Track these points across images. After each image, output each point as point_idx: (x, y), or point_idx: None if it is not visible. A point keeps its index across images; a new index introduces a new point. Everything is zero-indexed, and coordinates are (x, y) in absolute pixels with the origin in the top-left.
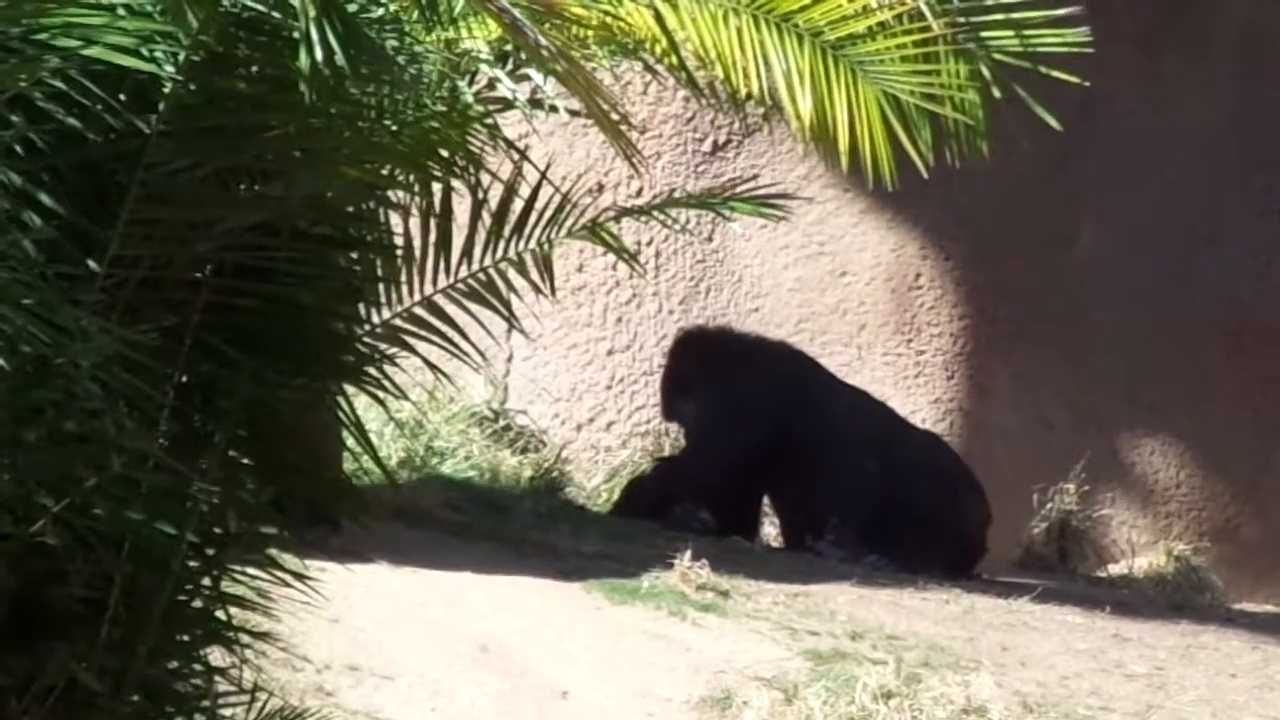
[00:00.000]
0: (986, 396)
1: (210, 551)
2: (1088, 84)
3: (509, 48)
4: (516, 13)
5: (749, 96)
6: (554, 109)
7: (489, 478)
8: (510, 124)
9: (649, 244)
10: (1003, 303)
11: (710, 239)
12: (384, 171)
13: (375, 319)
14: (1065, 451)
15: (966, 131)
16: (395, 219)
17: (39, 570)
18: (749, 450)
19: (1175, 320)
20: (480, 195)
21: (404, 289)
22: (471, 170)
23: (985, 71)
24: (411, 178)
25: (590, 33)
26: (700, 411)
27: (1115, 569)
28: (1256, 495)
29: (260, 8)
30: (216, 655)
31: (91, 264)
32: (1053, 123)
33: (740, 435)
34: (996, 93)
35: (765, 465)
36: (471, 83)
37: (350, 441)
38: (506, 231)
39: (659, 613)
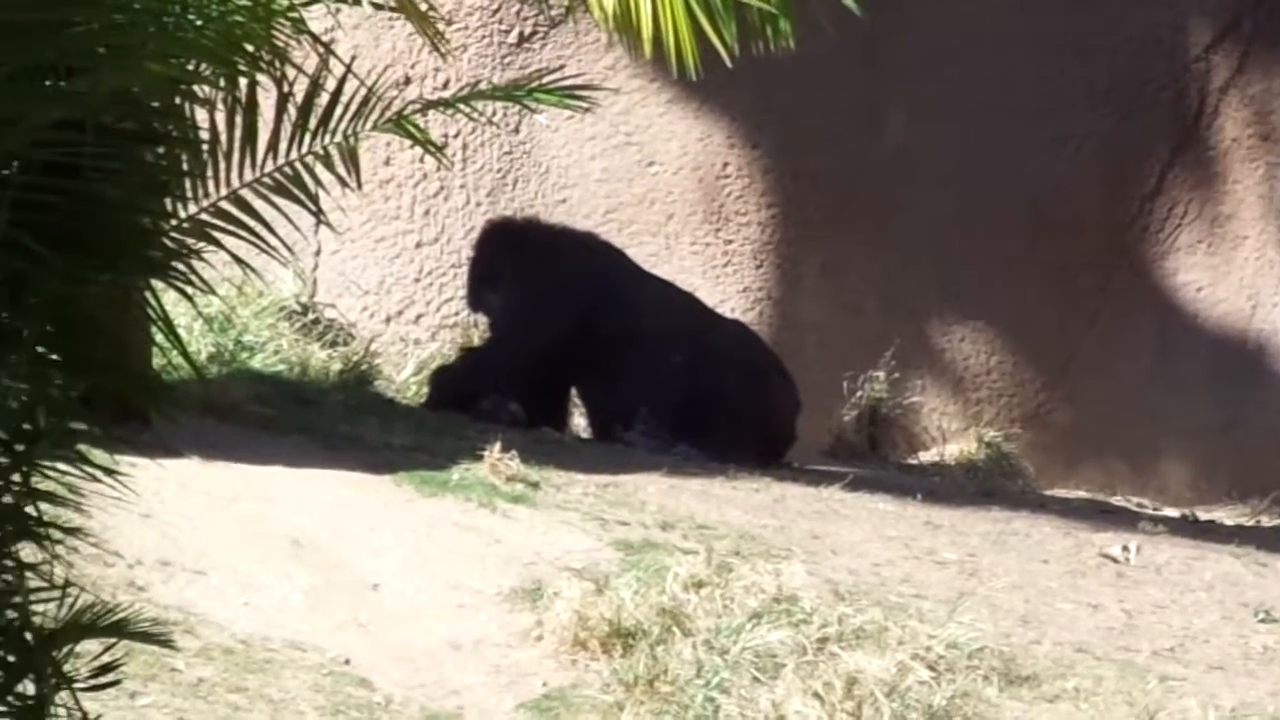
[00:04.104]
0: (795, 285)
1: (19, 448)
2: None
3: None
4: None
5: None
6: (358, 2)
7: (298, 372)
8: (316, 18)
9: (456, 136)
10: (811, 191)
11: (517, 131)
12: (189, 66)
13: (182, 214)
14: (875, 339)
15: (770, 19)
16: (201, 114)
17: None
18: (555, 341)
19: (983, 207)
20: (286, 89)
21: (210, 184)
22: (277, 64)
23: None
24: (217, 72)
25: None
26: (506, 302)
27: (926, 456)
28: (1066, 381)
29: None
30: (27, 551)
31: None
32: (852, 6)
33: (545, 326)
34: None
35: (572, 356)
36: None
37: (159, 337)
38: (312, 125)
39: (469, 504)
